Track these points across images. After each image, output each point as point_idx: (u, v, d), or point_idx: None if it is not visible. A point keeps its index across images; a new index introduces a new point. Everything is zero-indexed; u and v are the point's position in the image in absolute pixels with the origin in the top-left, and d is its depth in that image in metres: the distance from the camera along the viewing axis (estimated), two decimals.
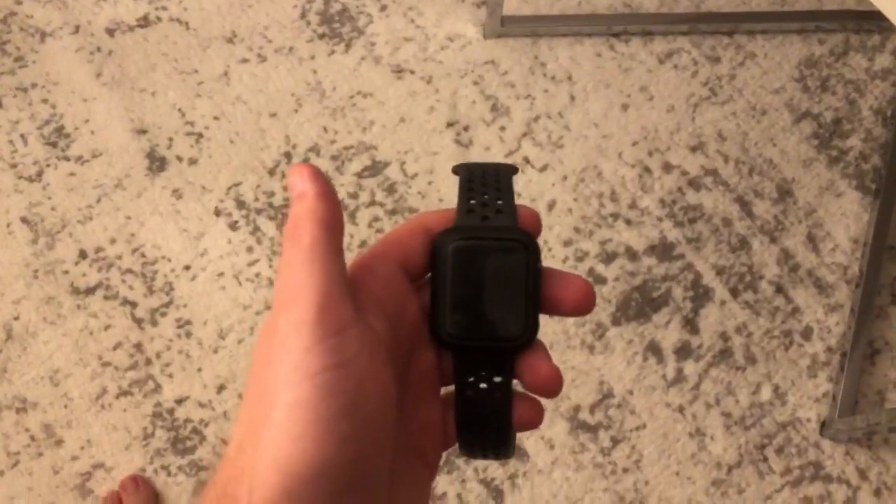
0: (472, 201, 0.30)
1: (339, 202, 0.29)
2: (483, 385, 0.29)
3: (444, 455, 0.32)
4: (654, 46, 1.14)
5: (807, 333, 1.01)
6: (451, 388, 0.30)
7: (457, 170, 0.32)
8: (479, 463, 0.93)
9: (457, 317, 0.29)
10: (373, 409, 0.26)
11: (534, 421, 0.30)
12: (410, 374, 0.30)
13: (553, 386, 0.29)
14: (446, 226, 0.30)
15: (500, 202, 0.30)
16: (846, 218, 1.06)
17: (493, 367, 0.29)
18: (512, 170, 0.31)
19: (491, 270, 0.29)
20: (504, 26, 1.12)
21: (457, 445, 0.31)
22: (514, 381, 0.30)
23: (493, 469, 0.94)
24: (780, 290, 1.03)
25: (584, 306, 0.29)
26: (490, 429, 0.30)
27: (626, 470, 0.95)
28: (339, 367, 0.25)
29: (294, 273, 0.27)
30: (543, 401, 0.30)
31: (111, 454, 0.94)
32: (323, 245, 0.27)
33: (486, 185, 0.30)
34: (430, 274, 0.30)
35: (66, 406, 0.95)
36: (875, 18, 1.15)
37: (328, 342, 0.25)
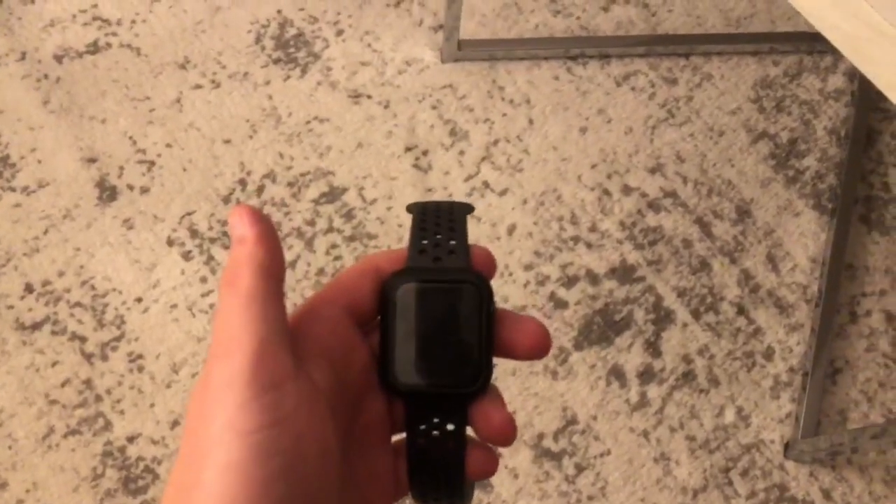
0: (425, 241, 0.29)
1: (279, 246, 0.27)
2: (435, 433, 0.28)
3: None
4: (612, 69, 1.14)
5: (769, 354, 1.01)
6: (403, 435, 0.29)
7: (410, 208, 0.31)
8: None
9: (407, 362, 0.28)
10: (312, 467, 0.25)
11: (488, 470, 0.29)
12: (358, 423, 0.28)
13: (506, 435, 0.28)
14: (397, 267, 0.29)
15: (452, 242, 0.29)
16: (804, 237, 1.07)
17: (446, 415, 0.28)
18: (467, 208, 0.31)
19: (442, 314, 0.28)
20: (461, 50, 1.11)
21: (410, 495, 0.30)
22: (468, 429, 0.29)
23: None
24: (741, 311, 1.03)
25: (539, 350, 0.29)
26: (443, 478, 0.29)
27: (591, 497, 0.94)
28: (274, 426, 0.24)
29: (230, 321, 0.25)
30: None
31: (59, 497, 0.90)
32: (261, 292, 0.26)
33: (439, 224, 0.29)
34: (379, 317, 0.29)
35: (10, 447, 0.92)
36: (826, 40, 1.16)
37: (264, 399, 0.24)
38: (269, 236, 0.27)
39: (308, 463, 0.25)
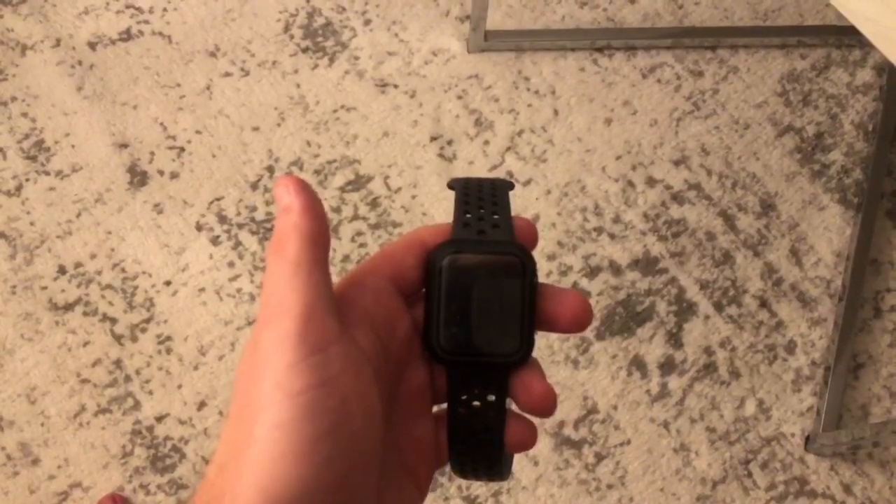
0: (468, 215, 0.29)
1: (325, 216, 0.28)
2: (476, 403, 0.29)
3: None
4: (638, 61, 1.14)
5: (791, 348, 1.01)
6: (444, 405, 0.30)
7: (452, 184, 0.31)
8: (463, 480, 0.92)
9: (451, 331, 0.28)
10: (357, 428, 0.26)
11: (527, 442, 0.29)
12: (401, 391, 0.29)
13: (547, 405, 0.29)
14: (442, 240, 0.29)
15: (496, 216, 0.29)
16: (829, 232, 1.07)
17: (487, 385, 0.29)
18: (508, 185, 0.31)
19: (486, 285, 0.28)
20: (488, 41, 1.12)
21: (449, 465, 0.30)
22: (508, 401, 0.29)
23: (477, 486, 0.93)
24: (763, 304, 1.03)
25: (580, 323, 0.29)
26: (482, 448, 0.29)
27: (610, 486, 0.94)
28: (322, 386, 0.25)
29: (278, 287, 0.26)
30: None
31: (89, 473, 0.93)
32: (307, 259, 0.26)
33: (482, 199, 0.30)
34: (424, 289, 0.30)
35: (42, 424, 0.94)
36: (856, 33, 1.15)
37: (311, 359, 0.25)
38: (314, 205, 0.28)
39: (354, 423, 0.25)
